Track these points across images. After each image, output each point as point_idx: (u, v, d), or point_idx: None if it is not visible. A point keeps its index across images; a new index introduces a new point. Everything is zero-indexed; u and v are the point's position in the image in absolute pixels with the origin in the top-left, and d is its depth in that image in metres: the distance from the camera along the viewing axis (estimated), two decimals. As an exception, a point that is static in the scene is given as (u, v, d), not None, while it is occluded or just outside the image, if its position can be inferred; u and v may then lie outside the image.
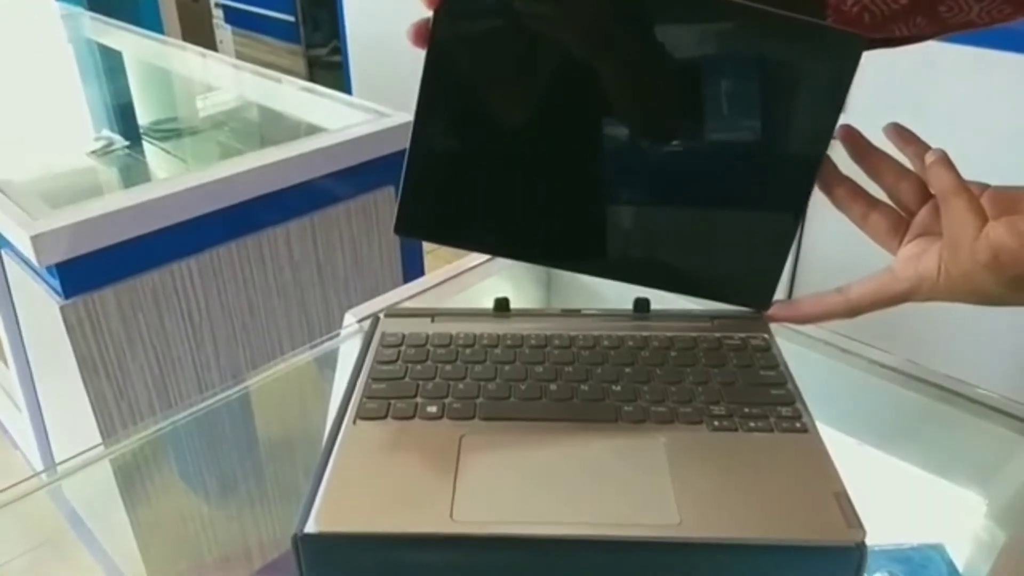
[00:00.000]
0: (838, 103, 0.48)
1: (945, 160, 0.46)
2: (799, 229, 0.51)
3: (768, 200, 0.51)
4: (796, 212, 0.51)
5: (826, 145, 0.49)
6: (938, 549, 0.54)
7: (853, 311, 0.50)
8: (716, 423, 0.45)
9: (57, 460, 1.49)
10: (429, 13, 0.45)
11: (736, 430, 0.45)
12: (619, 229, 0.52)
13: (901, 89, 1.34)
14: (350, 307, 0.76)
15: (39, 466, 1.55)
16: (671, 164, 0.50)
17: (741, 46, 0.48)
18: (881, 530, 0.40)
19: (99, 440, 1.13)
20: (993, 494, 0.63)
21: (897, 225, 0.50)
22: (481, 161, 0.49)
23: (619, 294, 0.54)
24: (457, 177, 0.50)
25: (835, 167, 0.51)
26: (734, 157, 0.50)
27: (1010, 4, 0.46)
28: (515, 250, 0.53)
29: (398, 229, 0.50)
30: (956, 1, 0.46)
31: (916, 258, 0.48)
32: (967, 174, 0.46)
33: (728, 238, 0.52)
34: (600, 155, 0.50)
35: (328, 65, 3.31)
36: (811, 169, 0.49)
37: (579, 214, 0.52)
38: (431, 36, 0.45)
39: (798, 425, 0.45)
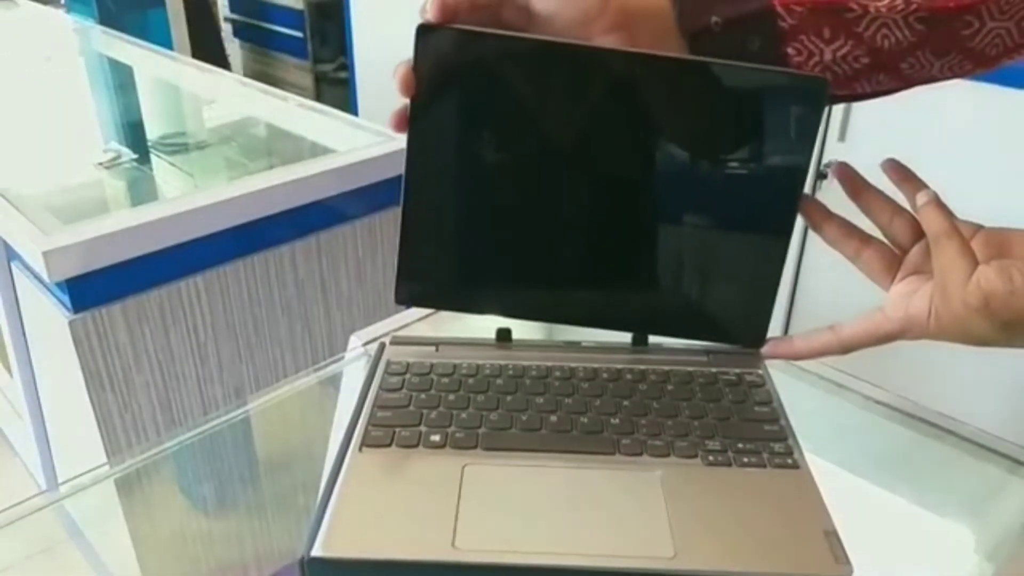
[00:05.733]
0: (809, 142, 0.49)
1: (937, 202, 0.46)
2: (785, 265, 0.53)
3: (753, 240, 0.53)
4: (781, 249, 0.52)
5: (803, 183, 0.51)
6: (927, 583, 0.55)
7: (845, 349, 0.51)
8: (711, 458, 0.47)
9: (56, 468, 1.50)
10: (407, 101, 0.47)
11: (730, 465, 0.46)
12: (615, 282, 0.54)
13: (901, 119, 1.36)
14: (353, 326, 0.77)
15: (37, 473, 1.56)
16: (658, 216, 0.53)
17: (716, 99, 0.49)
18: (871, 563, 0.41)
19: (102, 451, 1.14)
20: (982, 530, 0.64)
21: (891, 262, 0.50)
22: (471, 231, 0.53)
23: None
24: (449, 250, 0.53)
25: (823, 207, 0.52)
26: (717, 203, 0.52)
27: (970, 60, 0.46)
28: (515, 311, 0.55)
29: (399, 299, 0.52)
30: (917, 59, 0.46)
31: (907, 297, 0.48)
32: (965, 208, 0.46)
33: (718, 281, 0.54)
34: (586, 213, 0.53)
35: (334, 81, 3.33)
36: (791, 207, 0.51)
37: (574, 271, 0.54)
38: (410, 122, 0.48)
39: (790, 461, 0.46)
